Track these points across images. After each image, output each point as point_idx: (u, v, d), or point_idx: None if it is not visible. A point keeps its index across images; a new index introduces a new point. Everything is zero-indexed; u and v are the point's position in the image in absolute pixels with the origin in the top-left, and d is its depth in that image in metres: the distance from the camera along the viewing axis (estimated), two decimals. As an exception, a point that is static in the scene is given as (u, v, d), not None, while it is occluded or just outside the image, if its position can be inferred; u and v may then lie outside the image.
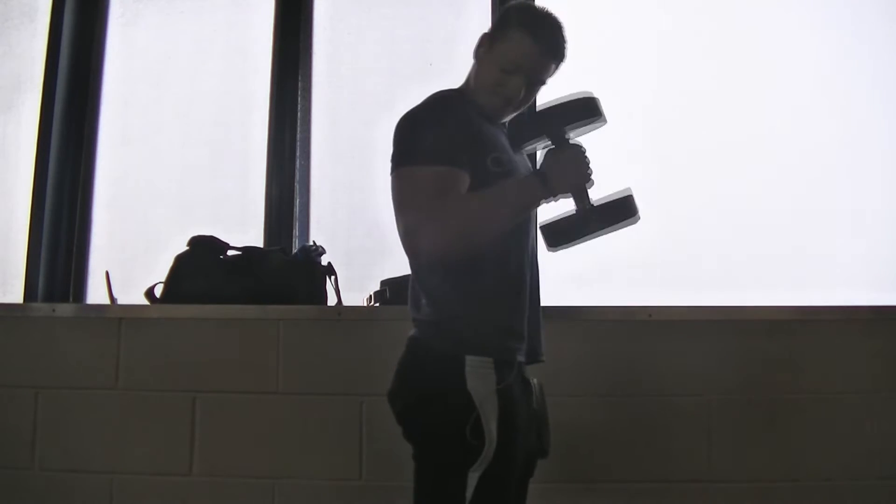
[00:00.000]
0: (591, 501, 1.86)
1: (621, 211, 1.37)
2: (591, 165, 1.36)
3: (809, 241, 2.14)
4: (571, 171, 1.33)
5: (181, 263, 2.00)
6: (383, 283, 2.00)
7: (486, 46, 1.45)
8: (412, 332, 1.40)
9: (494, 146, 1.38)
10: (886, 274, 2.11)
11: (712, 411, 1.89)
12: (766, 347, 1.92)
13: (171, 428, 1.93)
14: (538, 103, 1.43)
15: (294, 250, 2.16)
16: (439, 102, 1.39)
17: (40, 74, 2.34)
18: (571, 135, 1.39)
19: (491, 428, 1.25)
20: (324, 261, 2.05)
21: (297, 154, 2.30)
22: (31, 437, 1.95)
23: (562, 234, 1.39)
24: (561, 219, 1.39)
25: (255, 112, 2.33)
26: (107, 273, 2.10)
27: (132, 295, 2.07)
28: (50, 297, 2.24)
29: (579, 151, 1.35)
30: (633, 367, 1.91)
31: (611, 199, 1.37)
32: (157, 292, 1.99)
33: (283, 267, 2.00)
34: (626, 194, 1.37)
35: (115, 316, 2.00)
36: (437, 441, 1.30)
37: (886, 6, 2.26)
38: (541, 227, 1.43)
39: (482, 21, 2.29)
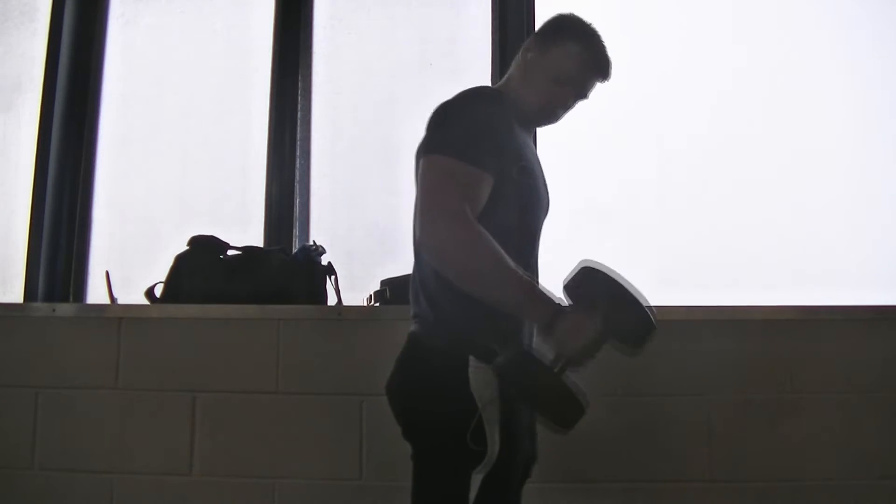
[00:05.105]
0: (591, 501, 1.86)
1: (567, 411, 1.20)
2: (592, 360, 1.22)
3: (810, 241, 2.14)
4: (580, 343, 1.17)
5: (181, 263, 2.00)
6: (383, 282, 2.00)
7: (536, 52, 1.43)
8: (412, 327, 1.37)
9: (524, 154, 1.37)
10: (886, 274, 2.11)
11: (712, 411, 1.89)
12: (766, 347, 1.91)
13: (171, 428, 1.93)
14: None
15: (294, 250, 2.16)
16: (485, 101, 1.36)
17: (40, 74, 2.34)
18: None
19: (493, 431, 1.24)
20: (324, 261, 2.05)
21: (297, 154, 2.30)
22: (31, 437, 1.95)
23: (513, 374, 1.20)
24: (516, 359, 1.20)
25: (255, 112, 2.34)
26: (107, 273, 2.10)
27: (132, 295, 2.07)
28: (50, 297, 2.24)
29: (601, 341, 1.20)
30: (633, 367, 1.91)
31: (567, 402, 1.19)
32: (157, 292, 1.99)
33: (283, 267, 2.00)
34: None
35: (115, 316, 2.00)
36: (440, 441, 1.27)
37: (888, 6, 2.27)
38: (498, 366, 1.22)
39: (482, 21, 2.30)
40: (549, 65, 1.42)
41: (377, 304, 1.98)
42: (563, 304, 1.20)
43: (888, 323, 1.93)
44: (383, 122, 2.30)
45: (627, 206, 2.18)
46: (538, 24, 2.21)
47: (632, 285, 1.21)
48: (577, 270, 1.22)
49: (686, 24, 2.26)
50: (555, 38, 1.44)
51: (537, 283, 1.22)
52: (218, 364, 1.95)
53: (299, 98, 2.32)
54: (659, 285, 2.08)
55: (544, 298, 1.20)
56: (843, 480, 1.86)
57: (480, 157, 1.25)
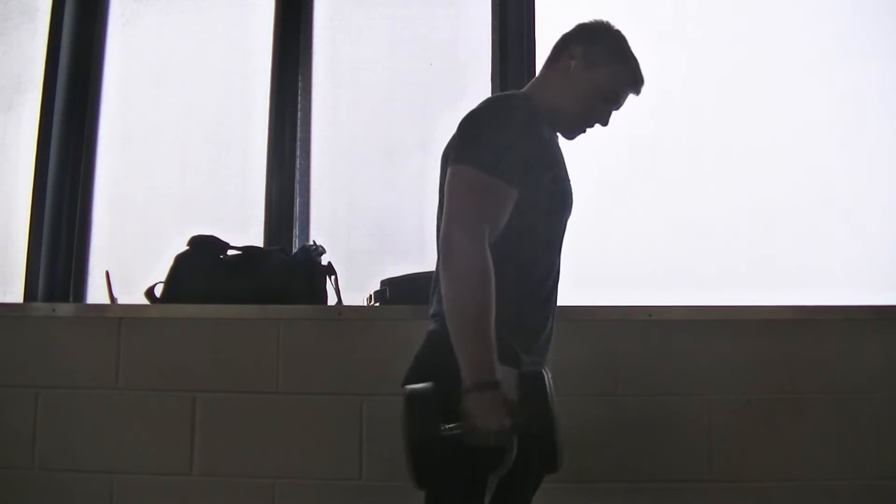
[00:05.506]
0: (591, 501, 1.86)
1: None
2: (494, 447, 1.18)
3: (809, 241, 2.14)
4: (481, 423, 1.14)
5: (181, 263, 2.00)
6: (383, 282, 2.00)
7: (581, 62, 1.41)
8: (431, 325, 1.36)
9: (557, 162, 1.36)
10: (886, 274, 2.11)
11: (712, 411, 1.89)
12: (766, 347, 1.91)
13: (171, 428, 1.93)
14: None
15: (294, 250, 2.16)
16: (516, 111, 1.33)
17: (40, 74, 2.34)
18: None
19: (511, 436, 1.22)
20: (324, 261, 2.05)
21: (297, 154, 2.30)
22: (31, 437, 1.95)
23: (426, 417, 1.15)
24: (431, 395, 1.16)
25: (255, 112, 2.34)
26: (107, 273, 2.10)
27: (132, 295, 2.07)
28: (50, 297, 2.24)
29: (501, 437, 1.16)
30: (633, 367, 1.91)
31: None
32: (157, 292, 1.99)
33: (283, 267, 2.00)
34: None
35: (115, 316, 2.00)
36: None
37: (885, 9, 2.27)
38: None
39: (482, 21, 2.30)
40: (596, 80, 1.41)
41: (377, 304, 1.98)
42: (500, 384, 1.15)
43: (888, 323, 1.93)
44: (383, 121, 2.30)
45: (626, 205, 2.18)
46: (538, 25, 2.26)
47: (560, 421, 1.16)
48: (533, 371, 1.20)
49: (687, 24, 2.26)
50: (604, 55, 1.42)
51: (494, 353, 1.16)
52: (218, 364, 1.95)
53: (299, 98, 2.32)
54: (659, 285, 2.10)
55: (488, 366, 1.16)
56: (843, 480, 1.87)
57: (507, 171, 1.24)
